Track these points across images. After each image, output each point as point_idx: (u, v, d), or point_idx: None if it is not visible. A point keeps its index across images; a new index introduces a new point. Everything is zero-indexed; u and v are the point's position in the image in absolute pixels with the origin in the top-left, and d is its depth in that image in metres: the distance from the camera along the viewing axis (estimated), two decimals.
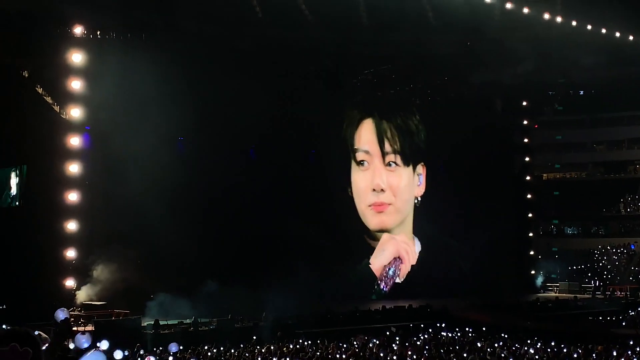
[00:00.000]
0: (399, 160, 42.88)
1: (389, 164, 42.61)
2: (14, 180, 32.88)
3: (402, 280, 42.64)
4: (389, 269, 42.17)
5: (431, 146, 44.18)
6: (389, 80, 44.05)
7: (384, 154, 42.47)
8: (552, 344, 24.49)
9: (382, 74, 43.14)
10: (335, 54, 39.94)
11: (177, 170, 33.66)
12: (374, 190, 42.05)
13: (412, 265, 43.20)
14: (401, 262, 42.45)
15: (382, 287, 41.97)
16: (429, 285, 41.51)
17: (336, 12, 34.61)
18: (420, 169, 44.03)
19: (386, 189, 42.21)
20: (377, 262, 42.10)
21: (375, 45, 39.33)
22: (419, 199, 43.88)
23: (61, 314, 9.19)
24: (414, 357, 20.56)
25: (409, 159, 43.29)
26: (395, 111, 43.41)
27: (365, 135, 42.67)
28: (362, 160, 42.36)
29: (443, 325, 30.78)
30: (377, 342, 25.23)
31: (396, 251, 42.42)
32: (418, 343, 25.06)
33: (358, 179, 42.46)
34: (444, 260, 44.61)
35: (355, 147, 42.53)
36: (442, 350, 22.40)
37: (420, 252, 43.66)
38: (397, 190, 42.72)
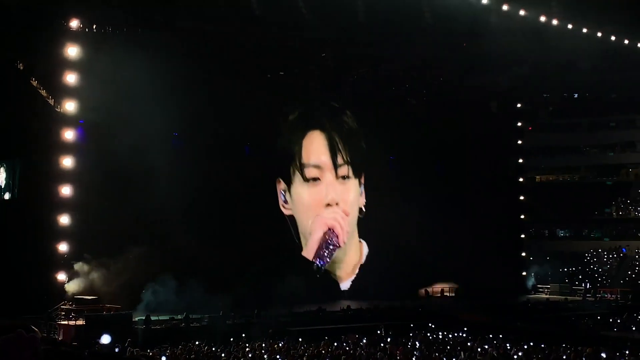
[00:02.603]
0: (350, 172, 40.88)
1: (342, 177, 40.51)
2: (1, 175, 32.78)
3: (343, 245, 40.29)
4: (324, 244, 39.55)
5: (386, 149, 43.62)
6: (385, 81, 44.22)
7: (336, 167, 40.25)
8: (542, 345, 24.61)
9: (379, 74, 43.27)
10: (332, 53, 39.99)
11: (171, 165, 33.67)
12: (328, 205, 39.69)
13: (362, 265, 41.93)
14: (333, 232, 39.70)
15: (318, 263, 39.44)
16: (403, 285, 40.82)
17: (334, 12, 34.62)
18: (362, 179, 42.25)
19: (340, 203, 40.14)
20: (309, 247, 39.47)
21: (372, 46, 39.36)
22: (363, 209, 42.11)
23: (106, 339, 9.30)
24: (405, 356, 20.62)
25: (358, 170, 41.48)
26: (340, 119, 41.20)
27: (316, 148, 40.14)
28: (313, 177, 39.74)
29: (433, 325, 30.86)
30: (368, 341, 25.32)
31: (323, 224, 39.54)
32: (409, 343, 25.13)
33: (305, 194, 39.69)
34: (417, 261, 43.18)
35: (303, 162, 39.75)
36: (433, 349, 22.49)
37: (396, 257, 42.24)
38: (348, 203, 40.80)
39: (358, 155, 41.35)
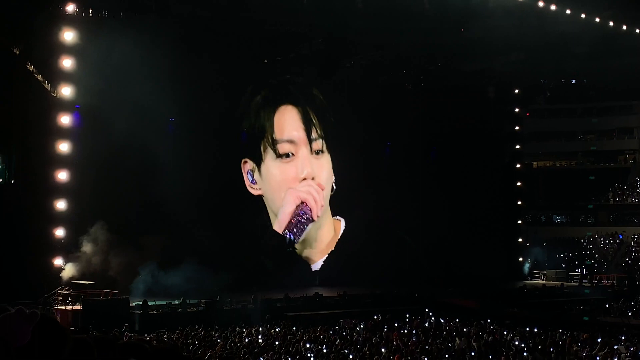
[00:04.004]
0: (324, 146, 40.19)
1: (316, 152, 39.76)
2: None
3: (317, 219, 39.41)
4: (295, 218, 38.79)
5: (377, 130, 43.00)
6: (383, 67, 44.11)
7: (310, 141, 39.48)
8: (538, 330, 24.68)
9: (376, 60, 43.16)
10: (328, 39, 39.86)
11: (168, 150, 33.66)
12: (304, 179, 38.83)
13: (336, 251, 40.99)
14: (306, 205, 38.85)
15: (289, 236, 38.62)
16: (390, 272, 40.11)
17: None
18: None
19: (315, 178, 39.36)
20: (280, 220, 38.62)
21: (369, 31, 39.17)
22: (334, 186, 41.10)
23: None
24: (401, 341, 20.68)
25: (330, 144, 40.62)
26: (310, 93, 40.26)
27: (289, 123, 39.32)
28: (287, 153, 38.77)
29: (430, 312, 30.88)
30: (365, 326, 25.39)
31: (296, 197, 38.63)
32: (406, 328, 25.20)
33: (277, 171, 38.84)
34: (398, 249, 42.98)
35: (276, 138, 38.77)
36: (430, 335, 22.56)
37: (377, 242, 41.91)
38: (322, 179, 39.95)
39: (329, 129, 40.54)
